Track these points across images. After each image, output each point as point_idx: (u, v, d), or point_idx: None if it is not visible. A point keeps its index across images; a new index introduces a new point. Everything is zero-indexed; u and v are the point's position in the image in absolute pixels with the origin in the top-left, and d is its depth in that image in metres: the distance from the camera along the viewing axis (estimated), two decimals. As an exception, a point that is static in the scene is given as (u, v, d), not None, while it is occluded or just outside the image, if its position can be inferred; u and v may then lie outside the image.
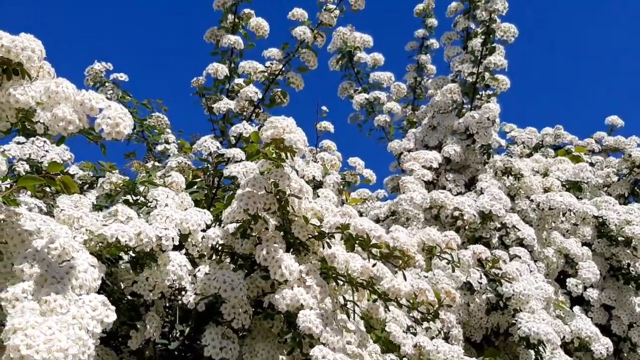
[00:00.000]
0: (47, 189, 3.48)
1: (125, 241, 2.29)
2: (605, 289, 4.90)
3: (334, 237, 2.73)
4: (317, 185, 4.32)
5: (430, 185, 5.28)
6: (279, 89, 4.78)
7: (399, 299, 2.78)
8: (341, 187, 4.86)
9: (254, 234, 2.74)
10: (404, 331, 3.21)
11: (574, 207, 4.89)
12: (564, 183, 5.59)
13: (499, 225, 4.74)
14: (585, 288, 4.77)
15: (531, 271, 4.39)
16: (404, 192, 4.81)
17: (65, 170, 2.12)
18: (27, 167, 3.72)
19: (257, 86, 4.66)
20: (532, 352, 3.89)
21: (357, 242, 2.67)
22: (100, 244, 2.33)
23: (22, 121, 1.97)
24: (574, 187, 5.64)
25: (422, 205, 4.66)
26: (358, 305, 2.92)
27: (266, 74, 4.71)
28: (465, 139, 5.61)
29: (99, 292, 1.94)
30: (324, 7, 4.79)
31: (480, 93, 5.95)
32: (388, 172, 6.54)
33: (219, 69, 4.68)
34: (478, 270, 4.06)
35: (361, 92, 6.53)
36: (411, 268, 2.80)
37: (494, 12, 5.73)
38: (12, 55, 1.82)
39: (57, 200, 2.65)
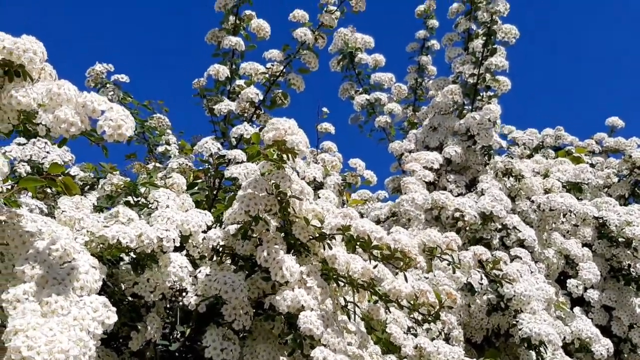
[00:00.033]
0: (48, 190, 3.48)
1: (126, 242, 2.29)
2: (606, 290, 4.90)
3: (335, 239, 2.74)
4: (317, 186, 4.33)
5: (430, 186, 5.28)
6: (280, 91, 4.78)
7: (399, 300, 2.78)
8: (342, 188, 4.85)
9: (254, 235, 2.74)
10: (404, 332, 3.21)
11: (575, 208, 4.89)
12: (564, 184, 5.59)
13: (499, 226, 4.74)
14: (585, 289, 4.77)
15: (532, 272, 4.39)
16: (405, 193, 4.81)
17: (66, 172, 2.12)
18: (28, 168, 3.72)
19: (258, 87, 4.67)
20: (533, 353, 3.89)
21: (358, 243, 2.67)
22: (101, 246, 2.34)
23: (23, 123, 1.98)
24: (575, 188, 5.64)
25: (424, 206, 4.66)
26: (359, 307, 2.93)
27: (267, 75, 4.71)
28: (466, 140, 5.61)
29: (99, 294, 1.94)
30: (325, 9, 4.80)
31: (481, 94, 5.95)
32: (389, 173, 6.56)
33: (220, 70, 4.69)
34: (479, 271, 4.06)
35: (362, 93, 6.53)
36: (412, 269, 2.81)
37: (495, 13, 5.73)
38: (14, 57, 1.82)
39: (58, 202, 2.65)
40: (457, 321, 3.99)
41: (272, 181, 2.67)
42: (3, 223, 2.03)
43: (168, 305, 2.76)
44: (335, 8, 4.81)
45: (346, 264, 2.67)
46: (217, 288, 2.51)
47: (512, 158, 5.88)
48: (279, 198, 2.69)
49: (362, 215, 5.27)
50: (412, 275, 3.21)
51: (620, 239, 4.94)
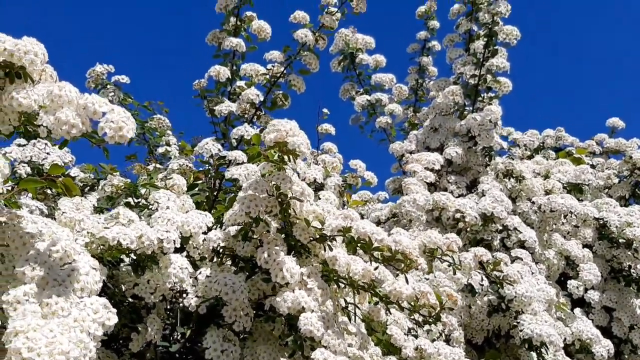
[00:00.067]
0: (48, 191, 3.48)
1: (127, 244, 2.29)
2: (606, 290, 4.90)
3: (336, 240, 2.74)
4: (318, 187, 4.33)
5: (431, 187, 5.28)
6: (281, 92, 4.79)
7: (400, 301, 2.78)
8: (342, 189, 4.85)
9: (255, 237, 2.74)
10: (405, 333, 3.21)
11: (575, 209, 4.89)
12: (565, 185, 5.59)
13: (500, 228, 4.74)
14: (586, 290, 4.77)
15: (533, 273, 4.39)
16: (406, 194, 4.81)
17: (66, 173, 2.13)
18: (28, 169, 3.72)
19: (259, 89, 4.68)
20: (533, 354, 3.89)
21: (359, 245, 2.67)
22: (101, 247, 2.33)
23: (24, 124, 1.98)
24: (575, 189, 5.63)
25: (425, 207, 4.66)
26: (359, 308, 2.93)
27: (268, 76, 4.72)
28: (467, 141, 5.61)
29: (100, 295, 1.94)
30: (326, 10, 4.81)
31: (482, 95, 5.95)
32: (389, 173, 6.56)
33: (221, 71, 4.69)
34: (479, 272, 4.06)
35: (363, 93, 6.51)
36: (412, 270, 2.80)
37: (496, 14, 5.73)
38: (15, 59, 1.82)
39: (58, 203, 2.65)
40: (458, 322, 3.99)
41: (273, 182, 2.67)
42: (3, 224, 2.03)
43: (168, 307, 2.76)
44: (336, 9, 4.81)
45: (347, 265, 2.67)
46: (218, 289, 2.50)
47: (513, 159, 5.87)
48: (279, 199, 2.69)
49: (362, 216, 5.25)
50: (412, 277, 3.21)
51: (620, 240, 4.94)
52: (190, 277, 2.66)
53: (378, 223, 5.29)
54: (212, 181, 4.18)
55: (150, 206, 3.03)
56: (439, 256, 3.46)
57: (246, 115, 4.59)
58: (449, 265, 3.54)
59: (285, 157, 2.62)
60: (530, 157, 6.62)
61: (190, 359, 2.80)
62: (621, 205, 5.48)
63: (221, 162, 3.99)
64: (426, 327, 3.47)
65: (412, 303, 2.84)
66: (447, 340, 3.81)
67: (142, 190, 3.21)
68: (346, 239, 2.70)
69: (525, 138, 6.84)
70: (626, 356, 4.79)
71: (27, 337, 1.61)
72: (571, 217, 5.00)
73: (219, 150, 3.95)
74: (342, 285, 2.79)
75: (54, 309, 1.76)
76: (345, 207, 4.91)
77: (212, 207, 3.94)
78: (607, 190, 6.00)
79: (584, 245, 5.01)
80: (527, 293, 3.93)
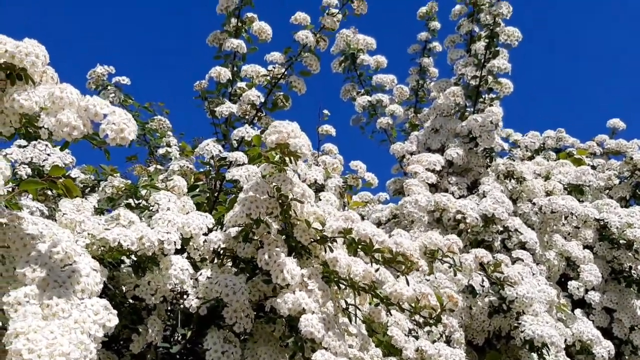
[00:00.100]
0: (49, 192, 3.48)
1: (128, 245, 2.29)
2: (607, 291, 4.90)
3: (336, 241, 2.74)
4: (318, 188, 4.33)
5: (432, 188, 5.27)
6: (282, 93, 4.79)
7: (401, 303, 2.78)
8: (343, 190, 4.86)
9: (256, 238, 2.73)
10: (405, 335, 3.21)
11: (576, 210, 4.89)
12: (565, 186, 5.59)
13: (501, 229, 4.74)
14: (586, 291, 4.77)
15: (534, 274, 4.39)
16: (408, 195, 4.81)
17: (66, 174, 2.13)
18: (28, 170, 3.72)
19: (260, 90, 4.68)
20: (535, 355, 3.89)
21: (359, 246, 2.67)
22: (102, 248, 2.33)
23: (25, 126, 1.98)
24: (576, 190, 5.63)
25: (427, 208, 4.66)
26: (360, 309, 2.93)
27: (268, 77, 4.72)
28: (468, 142, 5.61)
29: (100, 296, 1.94)
30: (327, 12, 4.81)
31: (483, 96, 5.95)
32: (390, 174, 6.56)
33: (222, 72, 4.69)
34: (480, 274, 4.06)
35: (364, 94, 6.51)
36: (413, 272, 2.80)
37: (498, 15, 5.74)
38: (16, 61, 1.82)
39: (59, 204, 2.65)
40: (459, 323, 3.99)
41: (274, 184, 2.67)
42: (4, 226, 2.03)
43: (169, 308, 2.76)
44: (337, 11, 4.82)
45: (347, 266, 2.67)
46: (218, 291, 2.51)
47: (514, 160, 5.87)
48: (280, 201, 2.69)
49: (363, 217, 5.27)
50: (413, 278, 3.21)
51: (621, 241, 4.94)
52: (191, 279, 2.66)
53: (379, 224, 5.30)
54: (213, 182, 4.18)
55: (151, 207, 3.03)
56: (440, 257, 3.47)
57: (247, 117, 4.59)
58: (449, 267, 3.55)
59: (287, 158, 2.62)
60: (530, 158, 6.62)
61: (191, 360, 2.81)
62: (622, 206, 5.48)
63: (222, 164, 3.99)
64: (427, 328, 3.48)
65: (413, 304, 2.84)
66: (448, 342, 3.81)
67: (143, 192, 3.21)
68: (347, 241, 2.71)
69: (527, 139, 6.84)
70: (627, 357, 4.78)
71: (28, 338, 1.61)
72: (572, 218, 5.01)
73: (220, 151, 3.95)
74: (343, 287, 2.79)
75: (54, 310, 1.76)
76: (346, 208, 4.91)
77: (213, 208, 3.95)
78: (607, 191, 6.00)
79: (585, 246, 5.01)
80: (528, 294, 3.93)
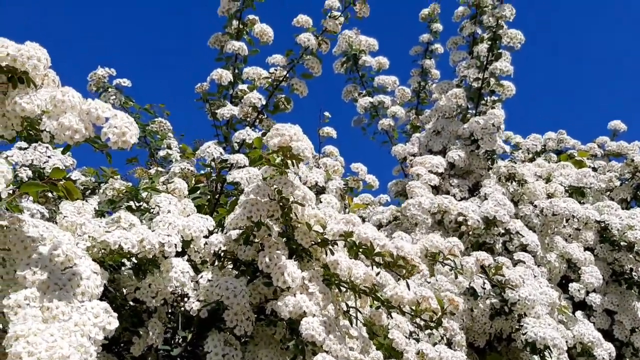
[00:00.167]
0: (49, 195, 3.48)
1: (128, 248, 2.29)
2: (608, 293, 4.89)
3: (337, 244, 2.74)
4: (319, 190, 4.33)
5: (433, 190, 5.27)
6: (283, 95, 4.78)
7: (402, 306, 2.78)
8: (344, 192, 4.86)
9: (256, 241, 2.74)
10: (406, 337, 3.21)
11: (578, 213, 4.89)
12: (566, 188, 5.58)
13: (502, 231, 4.74)
14: (587, 293, 4.76)
15: (535, 276, 4.38)
16: (411, 197, 4.80)
17: (67, 176, 2.12)
18: (29, 172, 3.72)
19: (261, 92, 4.67)
20: (536, 357, 3.88)
21: (360, 250, 2.67)
22: (102, 251, 2.34)
23: (27, 129, 1.98)
24: (577, 192, 5.63)
25: (430, 211, 4.66)
26: (361, 312, 2.92)
27: (270, 80, 4.71)
28: (470, 144, 5.61)
29: (101, 299, 1.94)
30: (329, 14, 4.80)
31: (485, 99, 5.95)
32: (390, 175, 6.56)
33: (223, 75, 4.69)
34: (481, 276, 4.06)
35: (365, 95, 6.51)
36: (414, 276, 2.81)
37: (501, 18, 5.74)
38: (17, 64, 1.82)
39: (60, 207, 2.65)
40: (460, 325, 3.99)
41: (275, 186, 2.67)
42: (5, 228, 2.03)
43: (170, 311, 2.76)
44: (339, 14, 4.81)
45: (348, 269, 2.67)
46: (219, 293, 2.51)
47: (515, 163, 5.87)
48: (281, 204, 2.69)
49: (364, 220, 5.27)
50: (414, 281, 3.21)
51: (622, 243, 4.94)
52: (192, 281, 2.67)
53: (379, 226, 5.30)
54: (214, 184, 4.18)
55: (152, 210, 3.03)
56: (441, 260, 3.47)
57: (248, 119, 4.59)
58: (450, 269, 3.54)
59: (289, 161, 2.62)
60: (531, 160, 6.61)
61: (192, 363, 2.81)
62: (623, 208, 5.48)
63: (223, 166, 3.99)
64: (428, 330, 3.48)
65: (414, 308, 2.84)
66: (449, 344, 3.80)
67: (144, 194, 3.21)
68: (348, 244, 2.71)
69: (528, 142, 6.84)
70: (628, 359, 4.78)
71: (28, 341, 1.61)
72: (573, 220, 5.00)
73: (221, 153, 3.95)
74: (344, 290, 2.79)
75: (54, 313, 1.76)
76: (347, 210, 4.91)
77: (214, 210, 3.95)
78: (608, 192, 6.00)
79: (586, 248, 5.00)
80: (530, 296, 3.93)
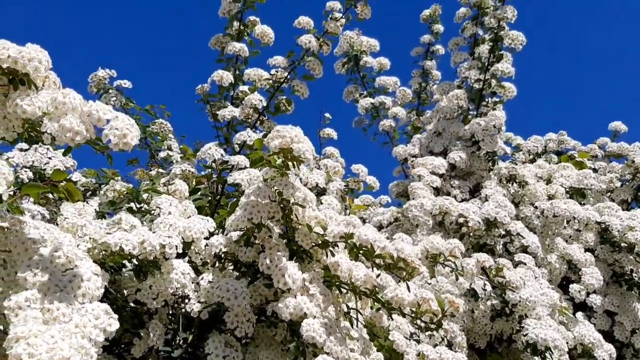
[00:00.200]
0: (50, 196, 3.48)
1: (129, 249, 2.29)
2: (608, 295, 4.89)
3: (338, 246, 2.74)
4: (320, 192, 4.33)
5: (434, 191, 5.27)
6: (284, 97, 4.79)
7: (402, 308, 2.78)
8: (344, 194, 4.86)
9: (257, 242, 2.74)
10: (406, 338, 3.21)
11: (578, 214, 4.89)
12: (567, 190, 5.58)
13: (503, 233, 4.73)
14: (588, 294, 4.75)
15: (536, 277, 4.38)
16: (413, 198, 4.80)
17: (68, 178, 2.12)
18: (30, 174, 3.72)
19: (262, 94, 4.68)
20: (537, 358, 3.87)
21: (361, 252, 2.67)
22: (103, 252, 2.34)
23: (28, 131, 1.98)
24: (578, 193, 5.63)
25: (432, 212, 4.65)
26: (361, 313, 2.92)
27: (271, 81, 4.72)
28: (471, 145, 5.61)
29: (102, 300, 1.94)
30: (330, 16, 4.80)
31: (487, 100, 5.94)
32: (391, 176, 6.56)
33: (224, 76, 4.70)
34: (482, 278, 4.06)
35: (366, 96, 6.51)
36: (415, 278, 2.81)
37: (502, 19, 5.73)
38: (19, 66, 1.82)
39: (60, 208, 2.66)
40: (460, 327, 3.99)
41: (275, 188, 2.67)
42: (6, 230, 2.03)
43: (170, 312, 2.76)
44: (340, 15, 4.80)
45: (349, 271, 2.67)
46: (220, 295, 2.51)
47: (516, 164, 5.87)
48: (282, 205, 2.70)
49: (364, 221, 5.28)
50: (415, 282, 3.21)
51: (622, 244, 4.94)
52: (193, 283, 2.67)
53: (380, 227, 5.29)
54: (215, 186, 4.19)
55: (153, 211, 3.03)
56: (442, 261, 3.47)
57: (249, 120, 4.59)
58: (451, 271, 3.54)
59: (290, 163, 2.63)
60: (532, 161, 6.61)
61: (192, 364, 2.81)
62: (623, 209, 5.47)
63: (224, 167, 3.99)
64: (428, 332, 3.48)
65: (414, 309, 2.84)
66: (450, 345, 3.80)
67: (144, 196, 3.21)
68: (348, 246, 2.71)
69: (529, 144, 6.85)
70: (628, 360, 4.78)
71: (28, 343, 1.61)
72: (574, 221, 5.00)
73: (222, 155, 3.95)
74: (344, 291, 2.79)
75: (55, 314, 1.76)
76: (348, 211, 4.91)
77: (214, 212, 3.95)
78: (609, 193, 6.00)
79: (586, 249, 5.00)
80: (532, 297, 3.93)
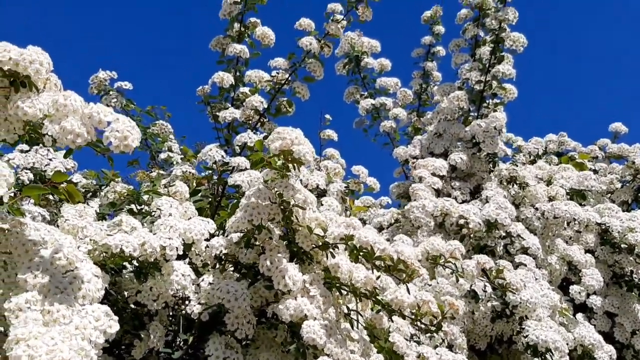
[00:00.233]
0: (51, 197, 3.48)
1: (130, 251, 2.30)
2: (609, 296, 4.89)
3: (338, 247, 2.74)
4: (320, 193, 4.33)
5: (435, 192, 5.27)
6: (285, 99, 4.78)
7: (402, 310, 2.78)
8: (345, 195, 4.86)
9: (257, 244, 2.74)
10: (406, 339, 3.21)
11: (579, 216, 4.89)
12: (567, 191, 5.58)
13: (503, 234, 4.73)
14: (588, 295, 4.75)
15: (536, 279, 4.38)
16: (414, 200, 4.79)
17: (69, 179, 2.13)
18: (30, 175, 3.72)
19: (263, 95, 4.68)
20: (537, 360, 3.88)
21: (361, 253, 2.68)
22: (104, 254, 2.34)
23: (29, 133, 1.99)
24: (578, 195, 5.63)
25: (434, 213, 4.65)
26: (362, 315, 2.92)
27: (272, 83, 4.71)
28: (471, 147, 5.60)
29: (102, 302, 1.95)
30: (331, 18, 4.80)
31: (487, 101, 5.93)
32: (391, 178, 6.54)
33: (225, 77, 4.69)
34: (482, 280, 4.05)
35: (367, 97, 6.50)
36: (415, 279, 2.81)
37: (504, 21, 5.73)
38: (20, 68, 1.82)
39: (61, 210, 2.66)
40: (461, 328, 3.99)
41: (276, 190, 2.67)
42: (6, 231, 2.04)
43: (171, 314, 2.76)
44: (341, 17, 4.80)
45: (349, 272, 2.68)
46: (220, 297, 2.51)
47: (517, 166, 5.87)
48: (282, 207, 2.70)
49: (364, 222, 5.28)
50: (415, 284, 3.21)
51: (622, 245, 4.93)
52: (193, 284, 2.67)
53: (380, 229, 5.29)
54: (215, 187, 4.19)
55: (153, 213, 3.04)
56: (442, 263, 3.47)
57: (250, 122, 4.59)
58: (451, 272, 3.54)
59: (290, 165, 2.63)
60: (532, 162, 6.61)
61: (193, 366, 2.81)
62: (623, 210, 5.47)
63: (224, 169, 4.00)
64: (428, 333, 3.48)
65: (414, 311, 2.84)
66: (450, 346, 3.80)
67: (145, 197, 3.21)
68: (348, 247, 2.71)
69: (530, 145, 6.85)
70: (628, 362, 4.78)
71: (28, 344, 1.61)
72: (574, 223, 5.00)
73: (222, 156, 3.96)
74: (345, 293, 2.79)
75: (55, 316, 1.76)
76: (348, 212, 4.91)
77: (215, 213, 3.95)
78: (609, 195, 6.00)
79: (586, 251, 5.00)
80: (532, 299, 3.92)
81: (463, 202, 5.25)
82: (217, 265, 2.84)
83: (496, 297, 4.12)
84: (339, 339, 2.52)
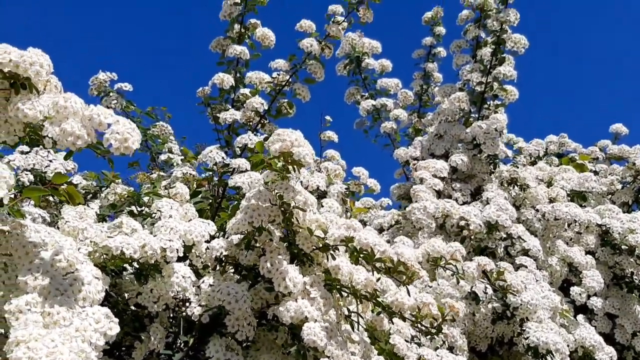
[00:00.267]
0: (51, 199, 3.48)
1: (130, 253, 2.30)
2: (609, 297, 4.88)
3: (338, 249, 2.74)
4: (321, 195, 4.33)
5: (436, 194, 5.26)
6: (285, 100, 4.78)
7: (402, 312, 2.78)
8: (345, 196, 4.85)
9: (258, 245, 2.74)
10: (407, 341, 3.20)
11: (580, 218, 4.88)
12: (568, 193, 5.58)
13: (504, 236, 4.73)
14: (589, 297, 4.75)
15: (537, 280, 4.38)
16: (416, 201, 4.79)
17: (69, 181, 2.13)
18: (31, 177, 3.73)
19: (263, 97, 4.68)
20: (538, 361, 3.88)
21: (361, 255, 2.67)
22: (104, 256, 2.34)
23: (29, 135, 1.98)
24: (578, 196, 5.63)
25: (435, 215, 4.65)
26: (362, 317, 2.92)
27: (272, 84, 4.71)
28: (472, 148, 5.59)
29: (103, 304, 1.95)
30: (332, 20, 4.80)
31: (488, 103, 5.93)
32: (392, 179, 6.54)
33: (225, 79, 4.69)
34: (483, 281, 4.05)
35: (368, 98, 6.50)
36: (416, 281, 2.80)
37: (505, 22, 5.72)
38: (20, 70, 1.82)
39: (61, 212, 2.66)
40: (462, 330, 3.99)
41: (276, 191, 2.67)
42: (7, 233, 2.04)
43: (171, 316, 2.76)
44: (342, 19, 4.80)
45: (349, 274, 2.67)
46: (221, 298, 2.51)
47: (518, 167, 5.86)
48: (282, 209, 2.69)
49: (365, 224, 5.28)
50: (416, 286, 3.21)
51: (623, 247, 4.93)
52: (193, 286, 2.67)
53: (381, 230, 5.29)
54: (216, 189, 4.19)
55: (153, 215, 3.03)
56: (443, 265, 3.46)
57: (250, 123, 4.59)
58: (452, 274, 3.54)
59: (290, 167, 2.63)
60: (533, 163, 6.60)
61: (193, 368, 2.81)
62: (624, 212, 5.47)
63: (225, 170, 3.99)
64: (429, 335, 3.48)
65: (415, 313, 2.83)
66: (451, 348, 3.80)
67: (145, 199, 3.21)
68: (349, 249, 2.71)
69: (531, 147, 6.84)
70: (629, 363, 4.78)
71: (29, 346, 1.62)
72: (574, 224, 5.00)
73: (223, 158, 3.95)
74: (345, 295, 2.79)
75: (55, 318, 1.76)
76: (349, 214, 4.91)
77: (215, 215, 3.95)
78: (610, 196, 6.00)
79: (587, 252, 5.00)
80: (533, 301, 3.92)
81: (464, 203, 5.24)
82: (218, 267, 2.83)
83: (497, 299, 4.12)
84: (340, 341, 2.52)
